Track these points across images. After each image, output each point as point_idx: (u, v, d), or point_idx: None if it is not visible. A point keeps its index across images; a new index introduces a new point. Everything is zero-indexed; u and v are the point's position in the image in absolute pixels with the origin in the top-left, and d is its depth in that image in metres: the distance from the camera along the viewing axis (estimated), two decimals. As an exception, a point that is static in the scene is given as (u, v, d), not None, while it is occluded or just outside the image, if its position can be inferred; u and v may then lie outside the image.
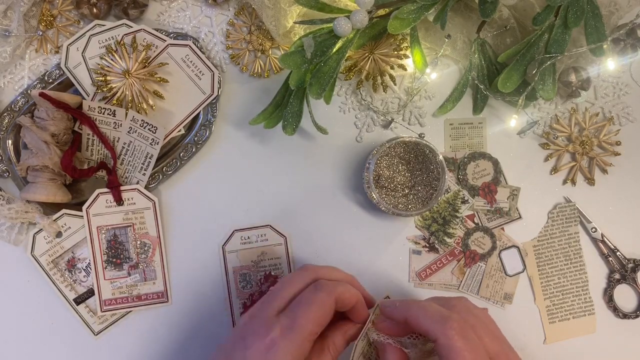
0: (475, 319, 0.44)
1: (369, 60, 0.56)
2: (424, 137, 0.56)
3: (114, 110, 0.54)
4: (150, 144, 0.55)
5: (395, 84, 0.58)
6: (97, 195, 0.55)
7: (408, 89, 0.59)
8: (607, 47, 0.52)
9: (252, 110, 0.58)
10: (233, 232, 0.57)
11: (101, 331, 0.56)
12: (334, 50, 0.50)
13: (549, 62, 0.52)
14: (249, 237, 0.57)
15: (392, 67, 0.56)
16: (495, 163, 0.59)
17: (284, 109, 0.53)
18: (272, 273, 0.57)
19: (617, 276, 0.58)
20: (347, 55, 0.56)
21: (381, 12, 0.52)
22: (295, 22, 0.55)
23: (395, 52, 0.56)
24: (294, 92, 0.52)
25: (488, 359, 0.41)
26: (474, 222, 0.59)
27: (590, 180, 0.59)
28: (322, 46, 0.49)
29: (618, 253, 0.58)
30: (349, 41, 0.50)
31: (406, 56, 0.56)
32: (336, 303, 0.43)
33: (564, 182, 0.59)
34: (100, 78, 0.55)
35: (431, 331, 0.41)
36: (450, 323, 0.41)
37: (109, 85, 0.54)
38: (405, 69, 0.57)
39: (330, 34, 0.49)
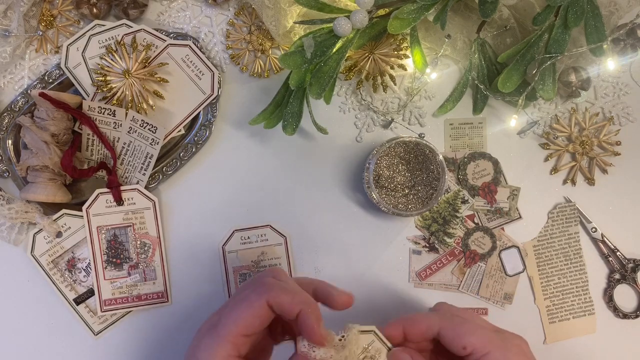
0: (458, 310, 0.47)
1: (369, 60, 0.56)
2: (424, 137, 0.56)
3: (114, 110, 0.54)
4: (150, 144, 0.55)
5: (395, 84, 0.58)
6: (97, 195, 0.55)
7: (408, 89, 0.59)
8: (607, 47, 0.52)
9: (252, 110, 0.58)
10: (233, 232, 0.57)
11: (101, 331, 0.56)
12: (334, 50, 0.50)
13: (549, 62, 0.52)
14: (249, 237, 0.57)
15: (392, 67, 0.56)
16: (495, 163, 0.59)
17: (284, 109, 0.53)
18: None
19: (617, 276, 0.58)
20: (347, 55, 0.56)
21: (381, 12, 0.52)
22: (295, 22, 0.55)
23: (395, 52, 0.56)
24: (294, 92, 0.52)
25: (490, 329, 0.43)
26: (474, 222, 0.59)
27: (590, 180, 0.59)
28: (322, 46, 0.49)
29: (618, 253, 0.58)
30: (349, 41, 0.50)
31: (406, 56, 0.56)
32: (273, 307, 0.39)
33: (564, 182, 0.59)
34: (100, 78, 0.55)
35: (432, 324, 0.43)
36: (442, 312, 0.44)
37: (109, 85, 0.54)
38: (405, 69, 0.57)
39: (330, 34, 0.49)
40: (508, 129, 0.59)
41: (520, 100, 0.55)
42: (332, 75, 0.50)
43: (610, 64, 0.55)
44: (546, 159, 0.59)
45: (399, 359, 0.42)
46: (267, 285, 0.40)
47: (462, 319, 0.44)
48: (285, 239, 0.57)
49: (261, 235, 0.57)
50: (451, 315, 0.45)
